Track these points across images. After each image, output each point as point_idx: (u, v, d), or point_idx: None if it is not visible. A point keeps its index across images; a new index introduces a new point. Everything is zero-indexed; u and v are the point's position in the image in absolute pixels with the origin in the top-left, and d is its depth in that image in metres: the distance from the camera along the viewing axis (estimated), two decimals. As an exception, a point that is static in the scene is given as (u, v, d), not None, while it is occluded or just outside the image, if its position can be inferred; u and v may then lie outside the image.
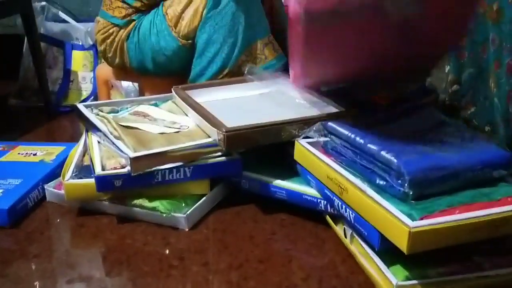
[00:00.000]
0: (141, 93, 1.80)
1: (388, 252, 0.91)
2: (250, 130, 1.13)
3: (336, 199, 1.02)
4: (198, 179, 1.18)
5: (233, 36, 1.45)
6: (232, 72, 1.50)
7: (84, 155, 1.31)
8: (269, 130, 1.14)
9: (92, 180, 1.13)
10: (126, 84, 1.90)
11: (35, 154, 1.42)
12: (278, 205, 1.18)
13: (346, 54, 1.07)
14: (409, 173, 0.91)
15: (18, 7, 1.83)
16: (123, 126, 1.25)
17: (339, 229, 1.08)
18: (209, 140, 1.17)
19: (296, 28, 1.04)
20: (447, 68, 1.43)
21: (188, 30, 1.48)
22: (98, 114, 1.34)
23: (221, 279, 0.98)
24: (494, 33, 1.22)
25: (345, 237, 1.04)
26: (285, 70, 1.45)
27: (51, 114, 1.94)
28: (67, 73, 2.10)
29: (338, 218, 1.08)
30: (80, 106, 1.37)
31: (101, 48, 1.61)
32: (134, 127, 1.25)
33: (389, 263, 0.92)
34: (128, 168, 1.10)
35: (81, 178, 1.19)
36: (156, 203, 1.15)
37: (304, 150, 1.12)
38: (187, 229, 1.13)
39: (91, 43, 2.10)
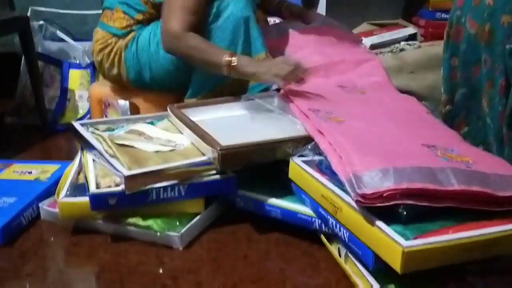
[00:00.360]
0: (133, 112, 1.80)
1: (382, 271, 0.90)
2: (244, 149, 1.13)
3: (330, 218, 1.02)
4: (192, 197, 1.18)
5: (233, 49, 1.46)
6: (231, 85, 1.51)
7: (79, 174, 1.31)
8: (264, 149, 1.15)
9: (86, 199, 1.13)
10: (122, 102, 1.90)
11: (30, 173, 1.42)
12: (272, 223, 1.18)
13: None
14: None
15: (16, 26, 1.85)
16: (118, 144, 1.25)
17: (333, 248, 1.08)
18: (204, 158, 1.17)
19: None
20: (442, 89, 1.45)
21: None
22: (93, 133, 1.34)
23: (215, 299, 0.97)
24: (486, 54, 1.24)
25: (340, 256, 1.04)
26: (278, 88, 1.47)
27: (47, 132, 1.94)
28: (64, 92, 2.11)
29: (333, 237, 1.08)
30: (76, 125, 1.37)
31: (98, 58, 1.60)
32: (129, 145, 1.25)
33: (383, 283, 0.92)
34: (122, 186, 1.10)
35: (75, 196, 1.19)
36: (150, 222, 1.15)
37: (299, 168, 1.12)
38: (181, 248, 1.13)
39: (88, 61, 2.12)
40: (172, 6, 1.42)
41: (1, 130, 2.04)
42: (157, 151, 1.24)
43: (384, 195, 0.89)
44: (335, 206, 0.99)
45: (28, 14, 2.13)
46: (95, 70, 2.10)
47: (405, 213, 0.90)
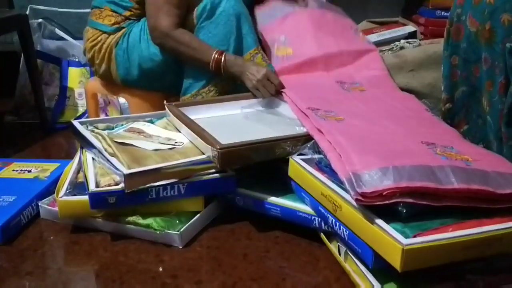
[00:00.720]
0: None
1: (382, 270, 0.91)
2: (244, 147, 1.13)
3: (330, 217, 1.02)
4: (192, 196, 1.18)
5: (225, 44, 1.47)
6: (225, 80, 1.51)
7: (78, 172, 1.31)
8: (263, 147, 1.15)
9: (86, 197, 1.13)
10: (122, 100, 1.90)
11: (29, 171, 1.42)
12: (272, 222, 1.18)
13: None
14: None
15: (15, 24, 1.84)
16: (118, 142, 1.25)
17: (333, 246, 1.08)
18: (204, 157, 1.17)
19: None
20: (442, 87, 1.44)
21: None
22: (93, 131, 1.34)
23: (215, 297, 0.97)
24: (486, 53, 1.24)
25: (339, 254, 1.04)
26: None
27: (47, 131, 1.94)
28: (64, 90, 2.11)
29: (333, 235, 1.08)
30: (75, 123, 1.37)
31: (89, 55, 1.61)
32: (129, 144, 1.25)
33: (383, 281, 0.92)
34: (122, 185, 1.10)
35: (75, 195, 1.19)
36: (150, 220, 1.14)
37: (298, 167, 1.12)
38: (181, 247, 1.13)
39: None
40: (158, 2, 1.44)
41: (0, 129, 2.04)
42: (156, 150, 1.24)
43: (384, 193, 0.89)
44: (334, 204, 0.99)
45: (27, 12, 2.12)
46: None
47: (404, 211, 0.90)
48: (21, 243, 1.17)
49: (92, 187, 1.13)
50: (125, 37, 1.55)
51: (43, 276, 1.05)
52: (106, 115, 1.95)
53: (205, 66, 1.45)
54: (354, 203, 0.94)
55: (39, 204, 1.26)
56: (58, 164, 1.46)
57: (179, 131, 1.35)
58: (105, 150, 1.21)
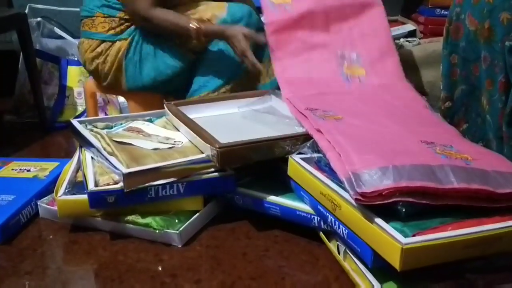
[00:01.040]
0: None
1: (381, 269, 0.91)
2: (243, 146, 1.13)
3: (329, 216, 1.02)
4: (191, 195, 1.18)
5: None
6: (238, 84, 1.53)
7: (77, 172, 1.31)
8: (262, 146, 1.15)
9: (85, 197, 1.13)
10: (122, 99, 1.90)
11: (28, 170, 1.42)
12: (271, 221, 1.18)
13: None
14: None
15: (14, 23, 1.84)
16: (117, 142, 1.25)
17: (332, 245, 1.08)
18: (203, 156, 1.17)
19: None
20: (441, 86, 1.44)
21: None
22: (92, 130, 1.34)
23: (214, 297, 0.97)
24: (486, 51, 1.24)
25: (339, 253, 1.04)
26: (277, 88, 1.48)
27: (46, 130, 1.94)
28: (63, 89, 2.11)
29: (332, 234, 1.08)
30: (74, 122, 1.37)
31: (91, 67, 1.58)
32: (128, 143, 1.25)
33: (382, 280, 0.92)
34: (121, 184, 1.10)
35: (74, 194, 1.19)
36: (149, 220, 1.14)
37: (298, 166, 1.12)
38: (180, 246, 1.13)
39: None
40: None
41: (0, 128, 2.04)
42: (155, 149, 1.24)
43: (384, 193, 0.89)
44: (334, 204, 0.99)
45: (26, 11, 2.12)
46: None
47: (404, 210, 0.90)
48: (20, 242, 1.16)
49: (91, 186, 1.13)
50: (136, 49, 1.54)
51: (42, 276, 1.05)
52: (106, 114, 1.95)
53: (186, 33, 1.48)
54: (353, 202, 0.94)
55: (38, 203, 1.26)
56: (57, 163, 1.46)
57: (178, 130, 1.35)
58: (104, 149, 1.21)
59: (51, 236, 1.19)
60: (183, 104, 1.42)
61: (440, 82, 1.45)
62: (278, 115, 1.34)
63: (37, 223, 1.25)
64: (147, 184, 1.12)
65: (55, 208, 1.19)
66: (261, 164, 1.18)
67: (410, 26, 2.05)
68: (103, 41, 1.54)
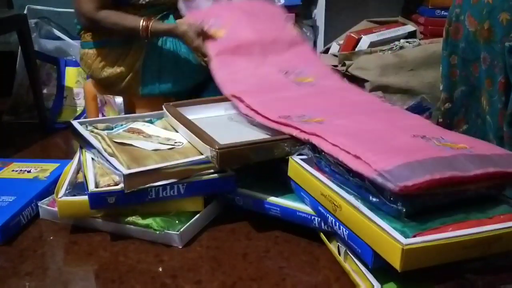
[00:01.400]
0: (127, 107, 1.81)
1: (381, 269, 0.90)
2: (243, 147, 1.13)
3: (329, 216, 1.02)
4: (192, 196, 1.18)
5: None
6: None
7: (78, 172, 1.31)
8: (262, 147, 1.15)
9: (85, 197, 1.13)
10: (119, 100, 1.90)
11: (29, 171, 1.42)
12: (272, 222, 1.18)
13: None
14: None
15: (15, 24, 1.84)
16: (117, 142, 1.25)
17: (333, 246, 1.08)
18: (203, 157, 1.17)
19: None
20: (441, 87, 1.44)
21: None
22: (92, 131, 1.34)
23: (214, 297, 0.97)
24: (485, 52, 1.24)
25: (339, 254, 1.04)
26: None
27: (46, 130, 1.94)
28: (61, 90, 2.11)
29: (332, 235, 1.08)
30: (75, 123, 1.37)
31: (101, 75, 1.57)
32: (128, 144, 1.25)
33: (382, 281, 0.92)
34: (121, 185, 1.10)
35: (74, 195, 1.19)
36: (149, 220, 1.14)
37: (298, 167, 1.12)
38: (180, 247, 1.13)
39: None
40: None
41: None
42: (156, 150, 1.24)
43: (423, 186, 0.88)
44: (334, 204, 0.99)
45: (25, 12, 2.12)
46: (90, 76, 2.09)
47: (404, 210, 0.90)
48: (21, 243, 1.17)
49: (91, 187, 1.13)
50: (154, 58, 1.54)
51: (42, 276, 1.05)
52: (103, 115, 1.95)
53: (135, 33, 1.49)
54: (354, 203, 0.94)
55: (38, 204, 1.26)
56: (57, 164, 1.46)
57: (176, 131, 1.35)
58: (105, 150, 1.21)
59: (51, 237, 1.19)
60: (182, 105, 1.42)
61: (440, 83, 1.45)
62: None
63: (38, 224, 1.25)
64: (147, 185, 1.12)
65: (56, 209, 1.19)
66: (261, 164, 1.18)
67: (410, 27, 2.05)
68: (103, 47, 1.54)
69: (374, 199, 0.95)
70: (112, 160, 1.16)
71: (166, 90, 1.57)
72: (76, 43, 2.12)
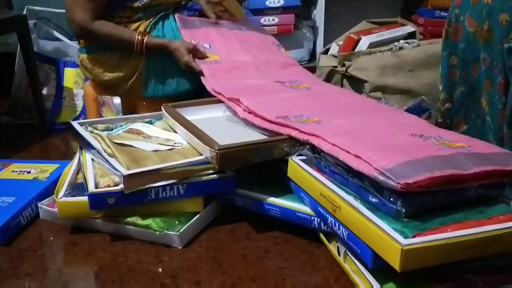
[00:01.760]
0: (125, 107, 1.81)
1: (381, 270, 0.91)
2: (242, 148, 1.13)
3: (329, 217, 1.02)
4: (191, 196, 1.18)
5: None
6: None
7: (78, 173, 1.31)
8: (261, 148, 1.15)
9: (85, 198, 1.13)
10: (117, 101, 1.90)
11: (29, 172, 1.42)
12: (271, 222, 1.18)
13: None
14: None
15: (15, 25, 1.84)
16: (117, 143, 1.25)
17: (332, 246, 1.08)
18: (203, 157, 1.17)
19: None
20: (440, 87, 1.45)
21: None
22: (92, 132, 1.34)
23: (214, 298, 0.97)
24: (485, 52, 1.24)
25: (339, 255, 1.04)
26: None
27: (46, 131, 1.94)
28: (60, 91, 2.11)
29: (332, 235, 1.08)
30: (75, 124, 1.37)
31: (104, 79, 1.57)
32: (128, 145, 1.25)
33: (382, 281, 0.92)
34: (121, 185, 1.10)
35: (74, 196, 1.19)
36: (149, 221, 1.15)
37: (298, 167, 1.12)
38: (180, 247, 1.13)
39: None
40: None
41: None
42: (155, 150, 1.24)
43: (423, 184, 0.88)
44: (334, 205, 0.99)
45: (24, 13, 2.13)
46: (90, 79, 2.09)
47: (404, 211, 0.90)
48: (21, 244, 1.17)
49: (91, 188, 1.13)
50: (158, 60, 1.54)
51: (42, 277, 1.05)
52: (101, 116, 1.95)
53: (130, 47, 1.50)
54: (353, 203, 0.94)
55: (38, 205, 1.26)
56: (57, 165, 1.46)
57: (175, 132, 1.35)
58: (104, 151, 1.21)
59: (51, 238, 1.19)
60: (181, 106, 1.42)
61: (439, 83, 1.45)
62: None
63: (38, 224, 1.25)
64: (147, 186, 1.12)
65: (56, 209, 1.19)
66: (261, 165, 1.18)
67: (409, 28, 2.05)
68: (113, 52, 1.54)
69: (373, 200, 0.95)
70: (112, 160, 1.16)
71: (169, 92, 1.56)
72: (75, 44, 2.12)
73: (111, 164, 1.15)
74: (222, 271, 1.05)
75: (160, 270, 1.06)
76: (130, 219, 1.16)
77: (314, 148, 1.11)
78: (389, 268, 0.85)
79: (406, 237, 0.85)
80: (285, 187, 1.18)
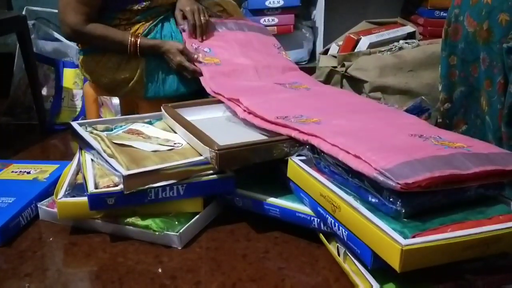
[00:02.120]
0: (123, 107, 1.81)
1: (381, 270, 0.91)
2: (242, 148, 1.13)
3: (329, 217, 1.02)
4: (191, 197, 1.18)
5: None
6: None
7: (77, 174, 1.31)
8: (261, 148, 1.14)
9: (85, 199, 1.13)
10: (116, 101, 1.90)
11: (28, 172, 1.42)
12: (271, 222, 1.18)
13: None
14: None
15: (14, 26, 1.84)
16: (117, 144, 1.25)
17: (332, 247, 1.08)
18: (202, 158, 1.17)
19: None
20: (440, 87, 1.45)
21: None
22: (92, 132, 1.34)
23: (214, 298, 0.97)
24: (484, 52, 1.24)
25: (338, 255, 1.04)
26: None
27: (46, 132, 1.94)
28: (60, 91, 2.11)
29: (332, 236, 1.08)
30: (74, 124, 1.37)
31: (104, 80, 1.57)
32: (128, 145, 1.25)
33: (382, 281, 0.92)
34: (121, 186, 1.10)
35: (74, 196, 1.19)
36: (149, 222, 1.14)
37: (297, 167, 1.12)
38: (180, 248, 1.13)
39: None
40: None
41: (-1, 130, 2.05)
42: (155, 151, 1.24)
43: (423, 184, 0.88)
44: (333, 205, 0.99)
45: (23, 13, 2.12)
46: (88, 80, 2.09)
47: (403, 211, 0.90)
48: (20, 244, 1.17)
49: (91, 188, 1.13)
50: (158, 60, 1.54)
51: (42, 278, 1.05)
52: (100, 116, 1.95)
53: (123, 48, 1.50)
54: (353, 203, 0.94)
55: (38, 205, 1.26)
56: (57, 165, 1.46)
57: (175, 132, 1.35)
58: (104, 151, 1.21)
59: (51, 238, 1.19)
60: (180, 107, 1.42)
61: (439, 83, 1.46)
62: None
63: (37, 225, 1.25)
64: (147, 186, 1.12)
65: (55, 210, 1.19)
66: (260, 165, 1.18)
67: (409, 28, 2.05)
68: (113, 54, 1.54)
69: (373, 200, 0.95)
70: (112, 161, 1.16)
71: (170, 92, 1.56)
72: (74, 45, 2.12)
73: (110, 165, 1.15)
74: (222, 271, 1.05)
75: (159, 270, 1.06)
76: (129, 220, 1.16)
77: (313, 148, 1.11)
78: (389, 269, 0.85)
79: (405, 237, 0.85)
80: (285, 187, 1.18)
